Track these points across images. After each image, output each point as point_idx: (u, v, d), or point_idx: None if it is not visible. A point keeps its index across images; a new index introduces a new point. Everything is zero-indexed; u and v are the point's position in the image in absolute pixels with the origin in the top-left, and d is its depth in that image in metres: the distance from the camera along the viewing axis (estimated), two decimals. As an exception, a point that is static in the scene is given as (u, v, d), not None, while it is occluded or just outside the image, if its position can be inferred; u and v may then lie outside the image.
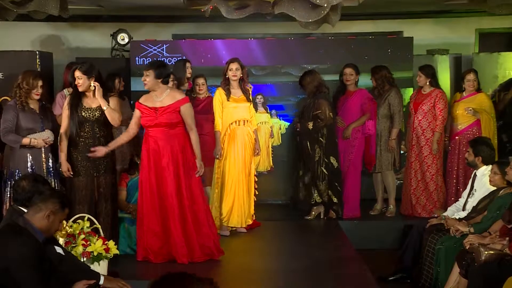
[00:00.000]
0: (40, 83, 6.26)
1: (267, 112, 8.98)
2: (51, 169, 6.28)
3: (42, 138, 6.15)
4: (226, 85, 7.15)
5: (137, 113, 6.19)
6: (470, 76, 7.66)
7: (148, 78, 6.02)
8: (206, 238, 6.11)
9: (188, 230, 6.04)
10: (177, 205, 6.01)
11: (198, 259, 6.02)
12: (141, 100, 6.17)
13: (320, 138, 7.55)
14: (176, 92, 6.25)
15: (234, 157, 7.13)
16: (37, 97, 6.26)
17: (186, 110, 6.12)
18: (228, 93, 7.12)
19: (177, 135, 6.10)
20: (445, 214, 6.34)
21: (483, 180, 6.04)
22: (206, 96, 7.80)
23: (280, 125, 9.11)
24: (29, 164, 6.15)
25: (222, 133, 7.10)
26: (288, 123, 9.08)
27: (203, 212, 6.16)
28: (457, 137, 7.69)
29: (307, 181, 7.73)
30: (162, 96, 6.06)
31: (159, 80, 6.05)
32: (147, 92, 6.24)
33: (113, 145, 6.20)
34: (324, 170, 7.57)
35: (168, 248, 6.07)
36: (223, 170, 7.13)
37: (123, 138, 6.28)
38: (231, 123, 7.14)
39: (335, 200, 7.67)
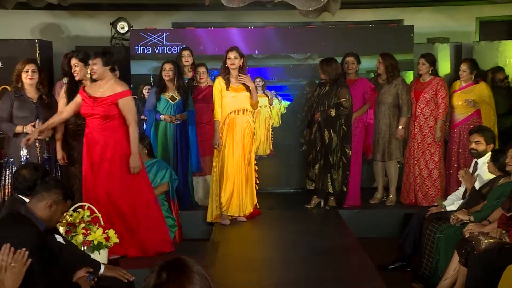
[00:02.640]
0: (29, 67, 6.23)
1: (266, 96, 8.99)
2: (46, 158, 6.27)
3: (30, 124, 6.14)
4: (225, 74, 7.12)
5: (77, 98, 5.93)
6: (461, 66, 7.66)
7: (96, 67, 5.77)
8: (152, 234, 5.95)
9: (129, 225, 5.88)
10: (107, 200, 5.78)
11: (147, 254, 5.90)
12: (86, 87, 5.96)
13: (343, 126, 7.48)
14: (118, 85, 5.91)
15: (233, 146, 7.11)
16: (30, 81, 6.22)
17: (126, 104, 5.80)
18: (227, 82, 7.09)
19: (113, 128, 5.81)
20: (445, 202, 6.35)
21: (483, 168, 6.04)
22: (207, 85, 7.80)
23: (280, 105, 9.10)
24: (24, 152, 6.15)
25: (221, 122, 7.09)
26: (289, 102, 9.08)
27: (146, 207, 5.96)
28: (457, 128, 7.68)
29: (322, 170, 7.67)
30: (105, 87, 5.83)
31: (108, 68, 5.83)
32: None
33: (44, 127, 6.00)
34: (344, 159, 7.53)
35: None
36: (222, 159, 7.11)
37: (55, 119, 6.04)
38: (230, 112, 7.11)
39: (344, 189, 7.63)
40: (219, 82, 7.09)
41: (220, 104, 7.07)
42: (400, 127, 7.71)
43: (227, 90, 7.07)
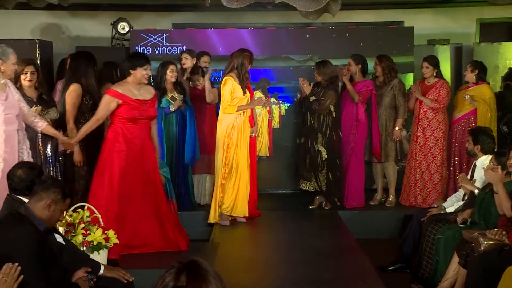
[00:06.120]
0: (28, 68, 6.22)
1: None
2: (49, 158, 6.26)
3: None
4: (247, 79, 7.12)
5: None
6: (467, 67, 7.69)
7: None
8: None
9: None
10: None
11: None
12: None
13: (329, 129, 7.54)
14: None
15: (240, 147, 7.11)
16: (28, 83, 6.22)
17: None
18: (244, 88, 7.08)
19: None
20: (444, 204, 6.35)
21: (482, 170, 6.03)
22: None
23: (279, 106, 9.11)
24: (25, 155, 6.12)
25: (230, 124, 7.06)
26: (289, 104, 9.08)
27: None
28: (454, 125, 7.70)
29: (309, 169, 7.72)
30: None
31: None
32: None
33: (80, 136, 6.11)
34: (325, 159, 7.58)
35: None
36: (232, 160, 7.09)
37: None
38: (240, 114, 7.11)
39: (323, 189, 7.68)
40: (232, 83, 7.01)
41: (230, 101, 7.04)
42: (397, 128, 7.71)
43: (244, 93, 7.07)
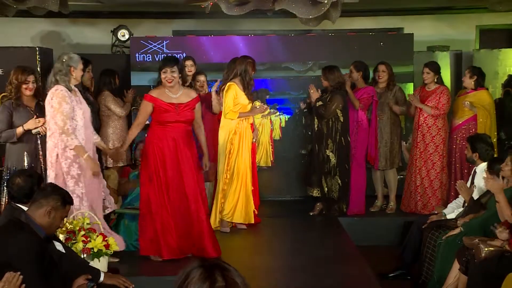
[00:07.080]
0: (30, 78, 6.17)
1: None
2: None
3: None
4: (252, 86, 7.14)
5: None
6: (465, 72, 7.71)
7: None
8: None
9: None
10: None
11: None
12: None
13: (338, 133, 7.57)
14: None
15: (242, 153, 7.11)
16: (29, 93, 6.17)
17: None
18: (248, 95, 7.10)
19: None
20: (445, 210, 6.35)
21: (481, 177, 6.03)
22: (207, 92, 7.79)
23: (280, 118, 9.11)
24: (25, 162, 6.11)
25: (232, 130, 7.07)
26: (289, 116, 9.08)
27: None
28: (454, 132, 7.70)
29: (317, 176, 7.76)
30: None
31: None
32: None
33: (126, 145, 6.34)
34: (324, 163, 7.61)
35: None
36: (233, 166, 7.09)
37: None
38: (242, 120, 7.13)
39: (335, 195, 7.67)
40: (235, 89, 7.04)
41: (232, 107, 7.05)
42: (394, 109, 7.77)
43: (248, 100, 7.10)
